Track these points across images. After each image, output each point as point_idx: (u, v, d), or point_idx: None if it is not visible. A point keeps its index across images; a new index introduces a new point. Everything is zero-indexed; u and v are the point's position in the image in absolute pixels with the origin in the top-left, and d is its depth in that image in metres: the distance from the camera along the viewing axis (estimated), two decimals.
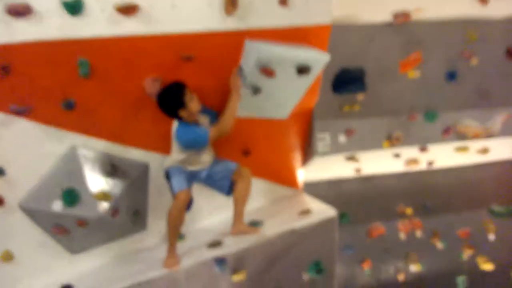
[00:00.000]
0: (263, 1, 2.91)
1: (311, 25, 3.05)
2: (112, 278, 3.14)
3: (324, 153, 3.65)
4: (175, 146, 3.13)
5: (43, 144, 3.02)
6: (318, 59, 2.92)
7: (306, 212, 3.40)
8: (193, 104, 2.93)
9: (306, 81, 3.03)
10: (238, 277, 3.16)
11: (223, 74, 2.99)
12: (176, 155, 3.13)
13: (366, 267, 4.59)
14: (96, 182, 3.18)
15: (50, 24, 2.65)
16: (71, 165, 3.13)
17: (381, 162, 4.10)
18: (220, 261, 3.07)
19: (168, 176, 3.16)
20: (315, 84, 3.35)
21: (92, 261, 3.45)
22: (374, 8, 3.34)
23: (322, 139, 3.61)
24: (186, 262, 3.06)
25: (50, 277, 3.34)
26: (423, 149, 3.88)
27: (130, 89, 2.99)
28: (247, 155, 3.61)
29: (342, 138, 3.65)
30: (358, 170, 4.29)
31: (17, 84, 2.76)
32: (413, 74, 3.61)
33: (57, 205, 3.12)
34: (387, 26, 3.42)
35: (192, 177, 3.18)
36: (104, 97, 2.98)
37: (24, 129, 2.93)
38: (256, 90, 3.00)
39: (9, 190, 3.04)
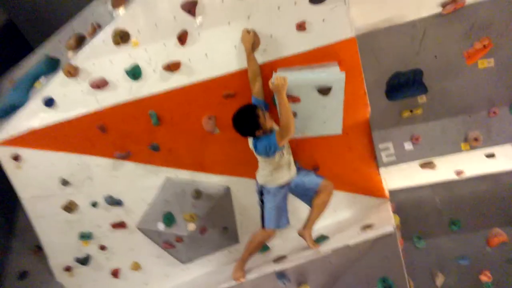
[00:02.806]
0: (281, 31, 2.90)
1: (334, 42, 2.87)
2: (199, 286, 3.52)
3: (390, 163, 3.29)
4: (259, 161, 3.13)
5: (145, 178, 3.62)
6: (334, 78, 2.73)
7: (367, 227, 3.14)
8: (267, 123, 2.91)
9: (337, 98, 2.85)
10: None
11: None
12: (262, 169, 3.15)
13: (486, 279, 3.84)
14: (185, 206, 3.63)
15: (121, 90, 3.22)
16: (166, 193, 3.66)
17: (472, 165, 3.43)
18: (281, 274, 3.12)
19: (262, 193, 3.22)
20: (360, 95, 3.12)
21: (199, 270, 3.93)
22: (415, 4, 2.91)
23: (385, 149, 3.27)
24: (253, 275, 3.21)
25: (169, 282, 3.95)
26: None
27: (192, 128, 3.34)
28: (316, 171, 3.54)
29: (408, 146, 3.23)
30: (459, 173, 3.68)
31: (114, 138, 3.42)
32: (485, 63, 2.97)
33: (161, 226, 3.68)
34: (437, 17, 2.92)
35: (285, 193, 3.20)
36: (175, 137, 3.41)
37: (129, 169, 3.58)
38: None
39: (128, 216, 3.75)
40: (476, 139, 3.04)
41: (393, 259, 2.99)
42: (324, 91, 2.76)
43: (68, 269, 3.86)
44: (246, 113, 2.85)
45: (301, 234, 3.25)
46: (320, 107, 2.92)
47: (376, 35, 3.02)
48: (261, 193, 3.23)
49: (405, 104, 3.18)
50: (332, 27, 2.83)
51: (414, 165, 3.35)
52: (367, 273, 3.06)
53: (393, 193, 4.03)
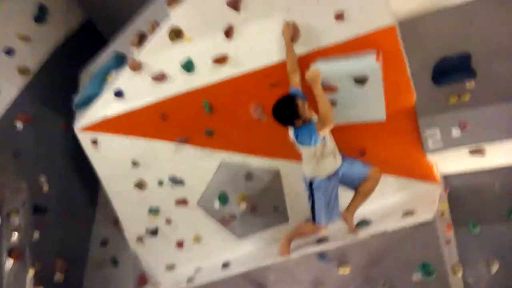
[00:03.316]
0: (320, 22, 2.95)
1: (373, 31, 2.85)
2: (251, 259, 3.79)
3: (436, 150, 3.21)
4: (303, 154, 3.18)
5: (203, 161, 3.93)
6: (368, 67, 2.73)
7: (409, 213, 3.13)
8: (306, 112, 2.92)
9: (375, 86, 2.86)
10: (343, 270, 3.27)
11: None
12: (308, 162, 3.15)
13: None
14: (238, 187, 3.90)
15: (178, 81, 3.52)
16: (221, 175, 3.96)
17: None
18: (322, 255, 3.27)
19: (311, 187, 3.23)
20: (404, 81, 3.08)
21: (253, 244, 4.19)
22: None
23: (431, 136, 3.19)
24: (295, 254, 3.39)
25: (227, 254, 4.26)
26: None
27: (242, 115, 3.56)
28: (363, 155, 3.57)
29: (455, 132, 3.12)
30: None
31: (174, 124, 3.77)
32: None
33: (216, 204, 4.01)
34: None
35: (334, 184, 3.22)
36: (227, 124, 3.66)
37: (189, 152, 3.91)
38: (331, 103, 3.05)
39: (190, 194, 4.11)
40: None
41: (432, 246, 2.97)
42: (361, 80, 2.78)
43: (140, 239, 4.35)
44: (286, 102, 2.93)
45: (343, 218, 3.33)
46: (360, 95, 2.95)
47: (422, 19, 2.95)
48: (310, 187, 3.25)
49: (452, 89, 3.07)
50: (371, 16, 2.82)
51: (463, 152, 3.23)
52: (407, 258, 3.08)
53: (449, 178, 3.92)
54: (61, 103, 4.34)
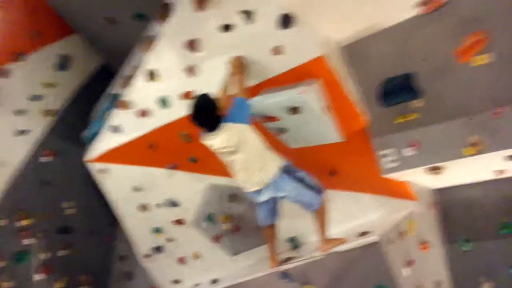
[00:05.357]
0: (261, 57, 2.96)
1: (305, 62, 2.80)
2: (233, 277, 3.81)
3: (392, 170, 3.03)
4: (256, 155, 2.74)
5: (193, 184, 4.09)
6: (294, 98, 2.67)
7: (364, 233, 2.98)
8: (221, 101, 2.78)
9: (312, 113, 2.79)
10: None
11: None
12: (268, 156, 2.76)
13: None
14: (223, 208, 3.98)
15: (158, 116, 3.71)
16: (208, 197, 4.07)
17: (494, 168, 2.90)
18: (284, 274, 3.21)
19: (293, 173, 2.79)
20: (347, 105, 2.97)
21: (246, 261, 4.21)
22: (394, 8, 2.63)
23: (385, 156, 3.01)
24: (259, 274, 3.35)
25: (223, 270, 4.32)
26: None
27: None
28: (334, 175, 3.47)
29: (407, 152, 2.91)
30: (501, 172, 3.18)
31: (160, 153, 3.97)
32: (481, 59, 2.51)
33: (204, 225, 4.12)
34: (420, 18, 2.59)
35: None
36: (206, 151, 3.76)
37: (180, 177, 4.09)
38: (280, 130, 3.03)
39: (185, 215, 4.27)
40: (475, 144, 2.59)
41: (382, 267, 2.78)
42: (293, 110, 2.74)
43: (148, 255, 4.58)
44: (201, 100, 2.74)
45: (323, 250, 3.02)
46: (303, 122, 2.90)
47: (362, 43, 2.84)
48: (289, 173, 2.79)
49: (399, 109, 2.90)
50: (302, 48, 2.77)
51: (421, 171, 3.02)
52: (363, 279, 2.91)
53: (441, 192, 3.69)
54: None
